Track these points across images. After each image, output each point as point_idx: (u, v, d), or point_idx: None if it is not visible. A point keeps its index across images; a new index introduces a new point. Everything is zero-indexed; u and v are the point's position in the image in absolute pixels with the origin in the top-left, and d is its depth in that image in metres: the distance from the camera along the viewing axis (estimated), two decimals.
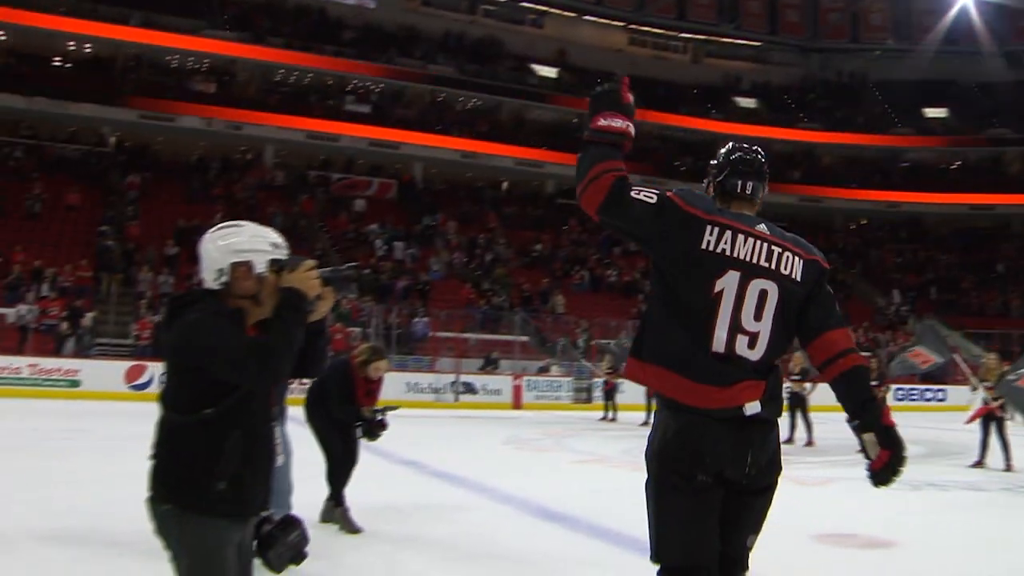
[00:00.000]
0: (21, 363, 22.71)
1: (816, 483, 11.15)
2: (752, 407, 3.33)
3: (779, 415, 3.49)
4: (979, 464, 13.23)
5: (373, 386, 7.46)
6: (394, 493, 8.98)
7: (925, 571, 6.50)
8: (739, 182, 3.72)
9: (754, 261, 3.45)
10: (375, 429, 7.26)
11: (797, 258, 3.55)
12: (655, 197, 3.49)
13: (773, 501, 3.52)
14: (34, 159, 35.25)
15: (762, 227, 3.56)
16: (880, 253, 48.58)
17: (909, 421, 19.48)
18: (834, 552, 6.92)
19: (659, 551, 3.39)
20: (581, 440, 16.42)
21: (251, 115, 39.01)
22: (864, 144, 50.49)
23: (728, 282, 3.39)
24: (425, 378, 25.93)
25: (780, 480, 3.49)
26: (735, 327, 3.37)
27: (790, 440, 16.11)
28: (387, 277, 32.58)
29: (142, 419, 15.38)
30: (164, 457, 3.07)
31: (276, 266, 3.17)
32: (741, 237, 3.47)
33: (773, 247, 3.52)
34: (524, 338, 30.63)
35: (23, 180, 33.09)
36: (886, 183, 49.60)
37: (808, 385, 16.45)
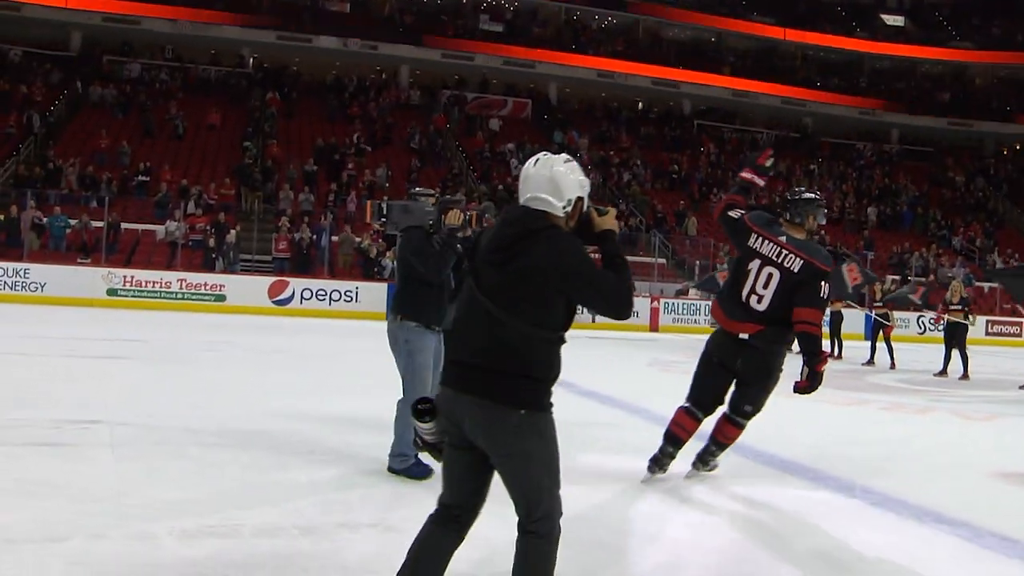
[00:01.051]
0: (171, 277, 23.38)
1: (982, 418, 10.60)
2: (744, 336, 5.97)
3: (767, 345, 5.98)
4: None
5: None
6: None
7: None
8: (787, 214, 6.13)
9: (769, 256, 5.93)
10: None
11: (798, 259, 5.86)
12: (738, 215, 6.13)
13: (759, 389, 6.16)
14: (178, 81, 36.03)
15: (783, 238, 5.96)
16: None
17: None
18: (1019, 492, 6.48)
19: (690, 394, 6.28)
20: None
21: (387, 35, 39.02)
22: (1019, 63, 47.63)
23: (753, 265, 5.97)
24: None
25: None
26: (752, 290, 5.96)
27: (943, 372, 15.56)
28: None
29: (284, 333, 15.84)
30: (520, 368, 3.19)
31: (596, 209, 3.42)
32: (767, 242, 5.96)
33: (783, 250, 5.91)
34: (661, 260, 30.17)
35: (168, 101, 33.86)
36: None
37: (970, 317, 15.69)
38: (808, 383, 5.93)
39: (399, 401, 5.97)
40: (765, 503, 5.87)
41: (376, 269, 25.69)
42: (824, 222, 6.28)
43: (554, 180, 3.30)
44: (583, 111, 42.24)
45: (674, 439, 6.15)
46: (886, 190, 42.04)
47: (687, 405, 6.19)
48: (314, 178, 30.52)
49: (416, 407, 3.29)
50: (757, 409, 6.23)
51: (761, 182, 6.36)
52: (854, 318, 20.78)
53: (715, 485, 6.21)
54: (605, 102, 43.31)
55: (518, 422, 3.16)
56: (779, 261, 5.85)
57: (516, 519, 3.24)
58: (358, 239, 26.29)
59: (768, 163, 6.39)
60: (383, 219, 6.12)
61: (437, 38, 39.82)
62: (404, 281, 6.13)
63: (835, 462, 7.19)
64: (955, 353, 15.52)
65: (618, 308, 3.26)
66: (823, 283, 5.83)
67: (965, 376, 15.22)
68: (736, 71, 44.41)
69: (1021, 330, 28.78)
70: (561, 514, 3.30)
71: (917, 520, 5.62)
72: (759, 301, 5.88)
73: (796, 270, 5.81)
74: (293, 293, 23.58)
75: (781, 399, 10.77)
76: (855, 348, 18.67)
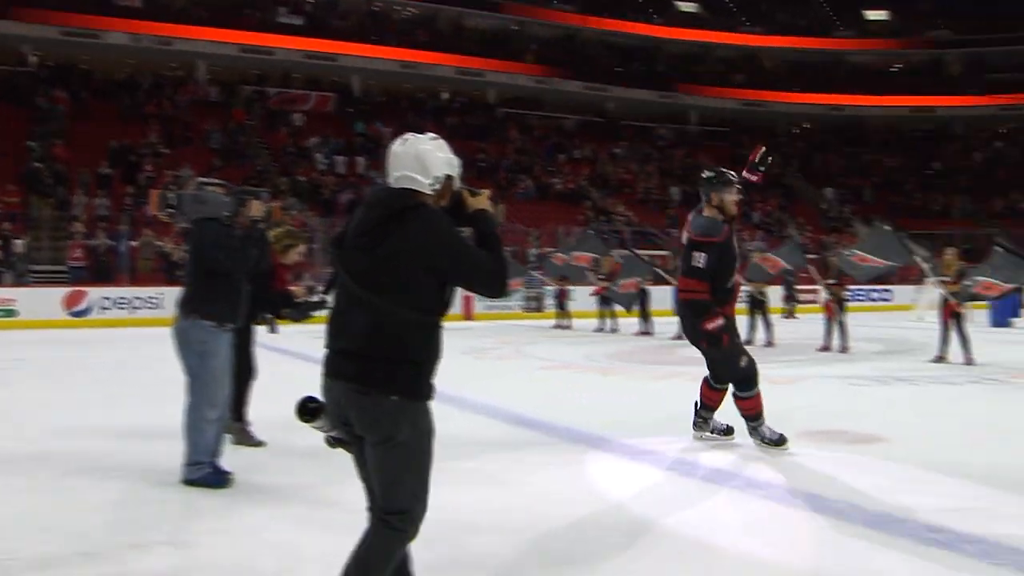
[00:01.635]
0: None
1: (784, 381, 10.93)
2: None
3: (688, 315, 6.58)
4: (941, 359, 13.12)
5: (289, 272, 7.18)
6: None
7: (927, 463, 6.25)
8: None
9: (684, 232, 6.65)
10: (311, 308, 6.75)
11: (687, 232, 6.53)
12: None
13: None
14: None
15: (690, 216, 6.68)
16: (823, 156, 48.62)
17: (860, 320, 19.55)
18: (829, 450, 6.65)
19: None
20: (540, 347, 16.14)
21: (180, 29, 37.53)
22: (806, 48, 50.14)
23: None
24: None
25: None
26: None
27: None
28: (329, 191, 31.81)
29: (82, 346, 14.95)
30: (393, 353, 3.13)
31: (469, 190, 3.40)
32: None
33: (686, 226, 6.61)
34: None
35: None
36: (828, 86, 49.35)
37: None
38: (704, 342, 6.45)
39: (188, 407, 5.65)
40: (577, 473, 5.82)
41: (180, 272, 24.68)
42: (735, 196, 6.39)
43: (420, 157, 3.27)
44: (388, 103, 41.81)
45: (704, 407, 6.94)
46: (688, 170, 43.40)
47: None
48: (109, 181, 29.11)
49: (303, 408, 3.17)
50: (717, 375, 6.70)
51: (755, 178, 6.80)
52: (663, 294, 21.25)
53: (515, 459, 6.11)
54: (410, 93, 43.07)
55: (391, 409, 3.10)
56: (684, 235, 6.61)
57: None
58: (159, 242, 25.24)
59: (758, 158, 6.80)
60: (170, 209, 5.81)
61: (235, 32, 38.60)
62: (196, 276, 5.80)
63: (644, 434, 7.22)
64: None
65: (493, 286, 3.25)
66: (695, 252, 6.25)
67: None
68: (540, 59, 44.89)
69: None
70: (423, 516, 3.21)
71: (717, 484, 5.68)
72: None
73: (685, 241, 6.53)
74: (91, 303, 22.44)
75: (598, 377, 10.82)
76: (668, 324, 19.09)
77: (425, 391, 3.19)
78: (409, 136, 3.34)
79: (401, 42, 41.69)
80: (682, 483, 5.89)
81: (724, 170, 6.58)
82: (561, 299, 21.97)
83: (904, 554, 4.40)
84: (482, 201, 3.38)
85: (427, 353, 3.18)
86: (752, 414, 6.62)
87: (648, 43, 48.34)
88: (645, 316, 19.25)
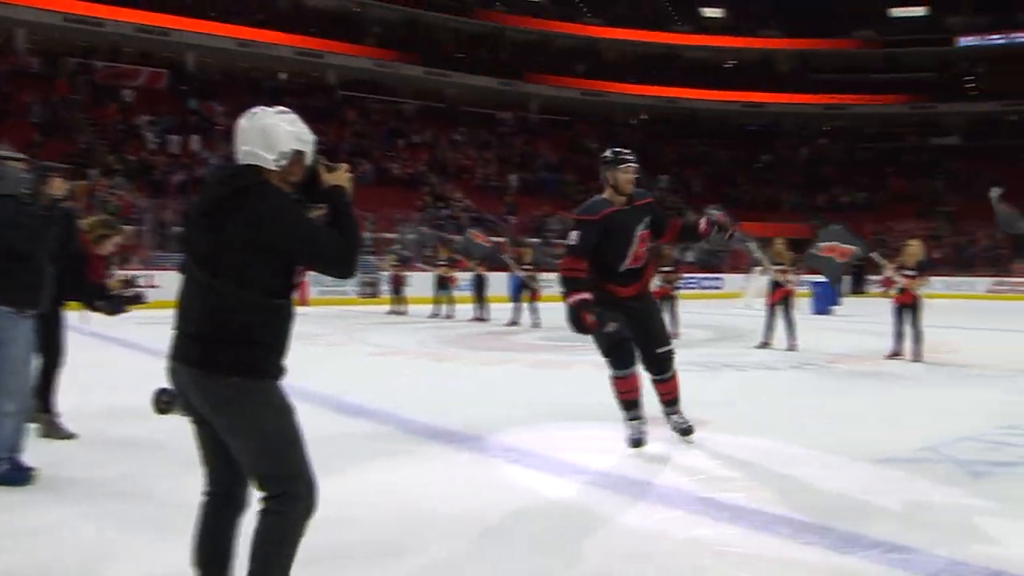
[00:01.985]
0: None
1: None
2: None
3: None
4: (766, 344, 13.52)
5: (104, 263, 6.80)
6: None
7: (747, 446, 6.36)
8: None
9: None
10: (125, 302, 6.39)
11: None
12: None
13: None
14: None
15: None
16: (658, 147, 49.72)
17: (691, 308, 20.03)
18: (653, 435, 6.69)
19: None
20: (374, 333, 15.90)
21: None
22: (644, 40, 51.14)
23: None
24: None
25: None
26: None
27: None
28: (161, 172, 30.66)
29: None
30: (235, 335, 3.00)
31: (326, 165, 3.22)
32: None
33: None
34: None
35: None
36: (665, 79, 50.47)
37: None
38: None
39: None
40: (406, 463, 5.68)
41: None
42: (630, 175, 6.31)
43: (265, 132, 3.10)
44: (224, 82, 40.64)
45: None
46: (527, 157, 43.75)
47: None
48: None
49: (158, 400, 3.15)
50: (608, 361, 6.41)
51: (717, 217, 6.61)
52: (499, 281, 21.31)
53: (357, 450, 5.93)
54: (247, 72, 42.00)
55: (232, 391, 2.99)
56: None
57: None
58: None
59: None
60: None
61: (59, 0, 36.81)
62: None
63: (475, 421, 7.14)
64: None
65: (339, 267, 3.08)
66: (571, 232, 6.26)
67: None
68: (381, 43, 44.42)
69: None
70: (309, 490, 3.07)
71: (541, 471, 5.65)
72: None
73: None
74: None
75: (430, 363, 10.66)
76: (503, 310, 19.12)
77: (272, 371, 3.08)
78: (257, 110, 3.16)
79: (238, 19, 40.59)
80: (510, 471, 5.81)
81: (620, 150, 6.50)
82: (396, 284, 21.74)
83: (727, 535, 4.43)
84: (339, 177, 3.20)
85: (272, 335, 3.07)
86: (618, 400, 6.43)
87: (492, 30, 48.44)
88: (481, 302, 19.25)
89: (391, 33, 45.52)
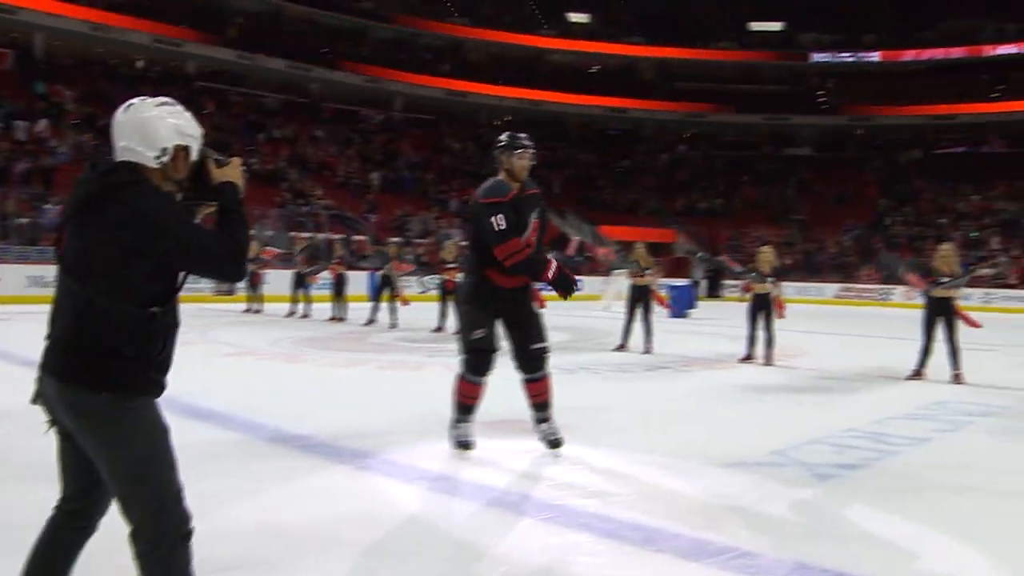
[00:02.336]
0: None
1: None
2: None
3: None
4: (622, 347, 13.69)
5: None
6: (21, 398, 7.77)
7: (607, 452, 6.34)
8: None
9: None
10: None
11: (473, 201, 6.13)
12: None
13: None
14: None
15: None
16: None
17: (550, 310, 20.11)
18: (503, 441, 6.60)
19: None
20: (228, 332, 15.45)
21: None
22: (510, 43, 51.37)
23: None
24: (51, 271, 23.56)
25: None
26: None
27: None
28: (3, 158, 29.19)
29: None
30: (103, 347, 2.72)
31: (216, 159, 3.02)
32: None
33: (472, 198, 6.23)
34: None
35: None
36: (530, 82, 50.77)
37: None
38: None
39: None
40: (245, 468, 5.45)
41: None
42: (526, 161, 6.08)
43: (143, 127, 2.84)
44: (76, 67, 38.98)
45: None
46: (389, 155, 43.39)
47: None
48: None
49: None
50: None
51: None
52: (358, 279, 21.04)
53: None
54: (101, 58, 40.42)
55: (99, 407, 2.73)
56: None
57: None
58: None
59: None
60: None
61: None
62: None
63: (325, 425, 6.94)
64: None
65: (223, 271, 2.83)
66: (492, 218, 5.91)
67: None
68: (242, 34, 43.39)
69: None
70: (178, 523, 2.82)
71: (398, 479, 5.51)
72: None
73: (473, 212, 6.16)
74: None
75: (282, 365, 10.41)
76: (362, 309, 18.87)
77: (146, 387, 2.81)
78: (135, 101, 2.91)
79: (93, 3, 38.97)
80: (359, 477, 5.65)
81: (517, 135, 6.24)
82: (253, 282, 21.22)
83: (577, 541, 4.38)
84: (230, 172, 2.98)
85: (147, 347, 2.79)
86: (456, 400, 6.26)
87: (356, 26, 47.88)
88: (340, 301, 18.94)
89: (253, 25, 44.52)
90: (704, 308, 24.07)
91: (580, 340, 15.76)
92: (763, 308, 12.41)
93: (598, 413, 8.13)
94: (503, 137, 6.25)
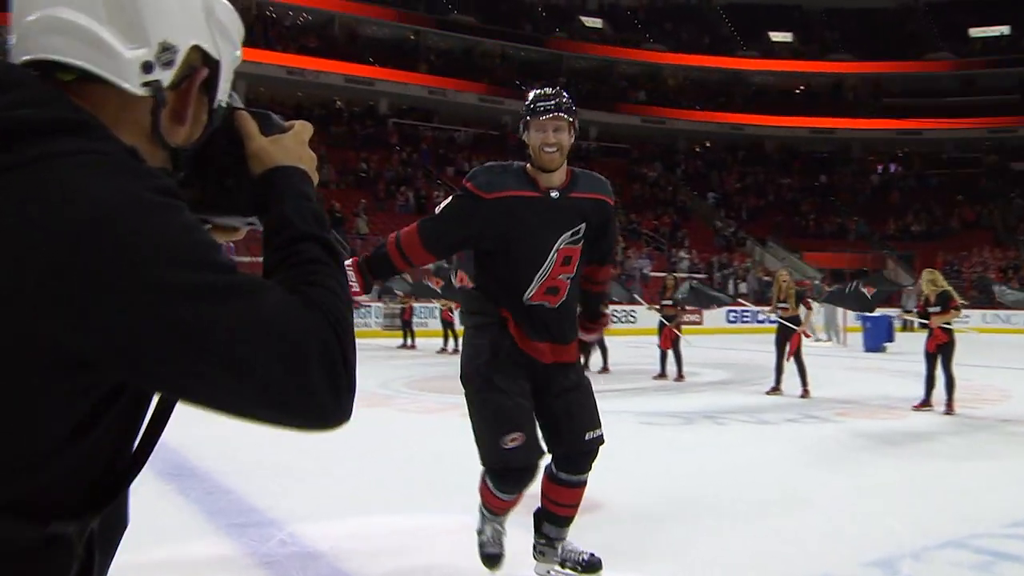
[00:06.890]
0: None
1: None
2: None
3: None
4: (775, 390, 12.27)
5: None
6: None
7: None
8: None
9: None
10: None
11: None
12: None
13: None
14: None
15: None
16: (721, 175, 48.21)
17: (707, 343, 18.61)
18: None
19: None
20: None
21: None
22: (709, 66, 49.81)
23: None
24: None
25: None
26: None
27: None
28: None
29: None
30: None
31: (261, 114, 1.36)
32: None
33: None
34: None
35: None
36: (730, 106, 49.02)
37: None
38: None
39: None
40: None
41: None
42: (549, 135, 3.70)
43: None
44: (276, 109, 40.02)
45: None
46: None
47: None
48: None
49: None
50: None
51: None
52: None
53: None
54: (299, 101, 41.51)
55: None
56: None
57: None
58: None
59: None
60: None
61: None
62: None
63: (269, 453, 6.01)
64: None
65: (308, 412, 1.08)
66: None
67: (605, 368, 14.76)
68: (434, 69, 43.71)
69: None
70: None
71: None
72: None
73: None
74: None
75: None
76: None
77: None
78: None
79: (287, 48, 40.20)
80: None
81: (542, 91, 3.91)
82: (405, 317, 20.70)
83: None
84: (292, 145, 1.33)
85: None
86: (487, 507, 4.11)
87: (551, 57, 47.59)
88: None
89: (445, 60, 44.85)
90: (903, 341, 21.85)
91: (736, 379, 14.36)
92: (943, 345, 10.70)
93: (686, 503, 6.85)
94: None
